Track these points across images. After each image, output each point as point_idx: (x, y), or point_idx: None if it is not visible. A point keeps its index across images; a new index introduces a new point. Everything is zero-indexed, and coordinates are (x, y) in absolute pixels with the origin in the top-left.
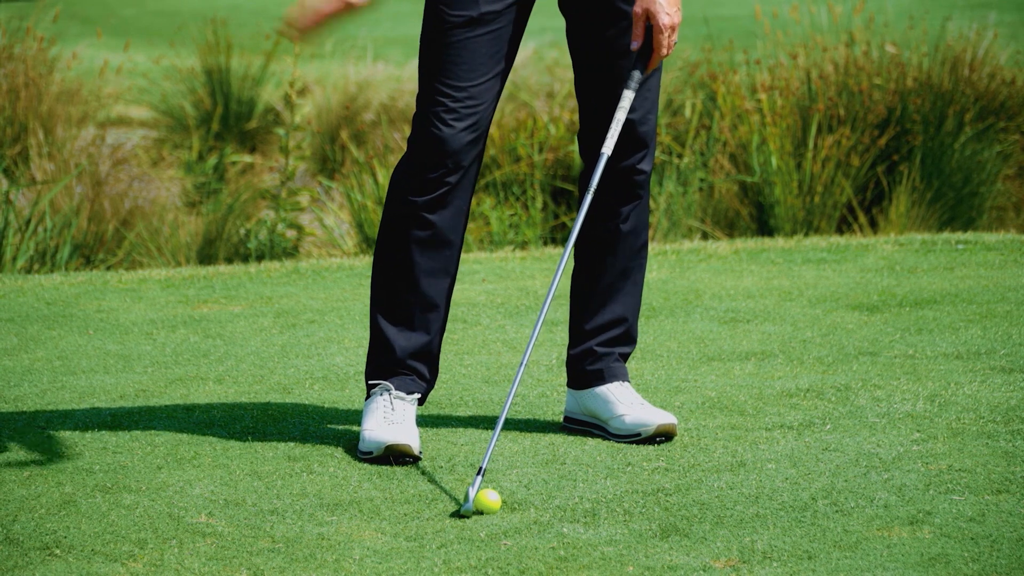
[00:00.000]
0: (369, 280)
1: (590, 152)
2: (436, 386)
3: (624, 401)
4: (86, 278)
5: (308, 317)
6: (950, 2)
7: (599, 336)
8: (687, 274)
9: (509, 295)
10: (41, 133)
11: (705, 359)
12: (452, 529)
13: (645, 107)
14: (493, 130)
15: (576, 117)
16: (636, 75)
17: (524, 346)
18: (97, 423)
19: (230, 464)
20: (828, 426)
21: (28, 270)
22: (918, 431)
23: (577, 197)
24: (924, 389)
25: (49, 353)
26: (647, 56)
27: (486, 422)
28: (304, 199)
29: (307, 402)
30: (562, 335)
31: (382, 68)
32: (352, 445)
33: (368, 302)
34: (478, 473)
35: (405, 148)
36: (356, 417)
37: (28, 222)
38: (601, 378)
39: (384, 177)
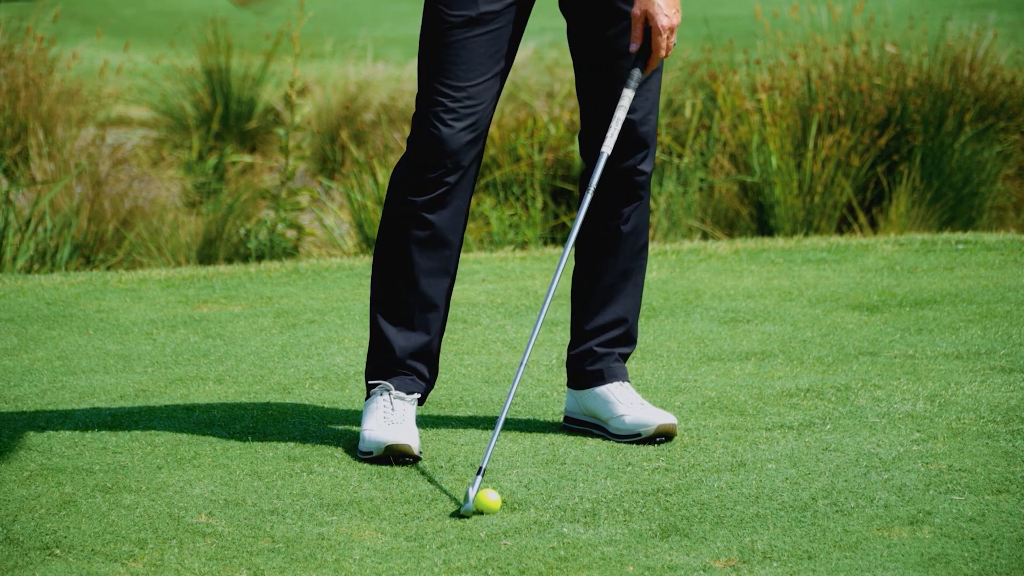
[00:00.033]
0: (369, 280)
1: (591, 152)
2: (436, 386)
3: (624, 401)
4: (86, 278)
5: (308, 317)
6: (950, 2)
7: (599, 336)
8: (687, 274)
9: (509, 295)
10: (41, 133)
11: (705, 359)
12: (452, 529)
13: (645, 108)
14: (493, 130)
15: (576, 117)
16: (636, 74)
17: (524, 346)
18: (97, 423)
19: (230, 464)
20: (828, 426)
21: (28, 270)
22: (918, 431)
23: (578, 197)
24: (924, 389)
25: (49, 353)
26: (646, 58)
27: (486, 422)
28: (304, 199)
29: (307, 402)
30: (562, 335)
31: (382, 68)
32: (352, 445)
33: (368, 302)
34: (478, 473)
35: (405, 148)
36: (356, 417)
37: (28, 222)
38: (601, 378)
39: (384, 177)
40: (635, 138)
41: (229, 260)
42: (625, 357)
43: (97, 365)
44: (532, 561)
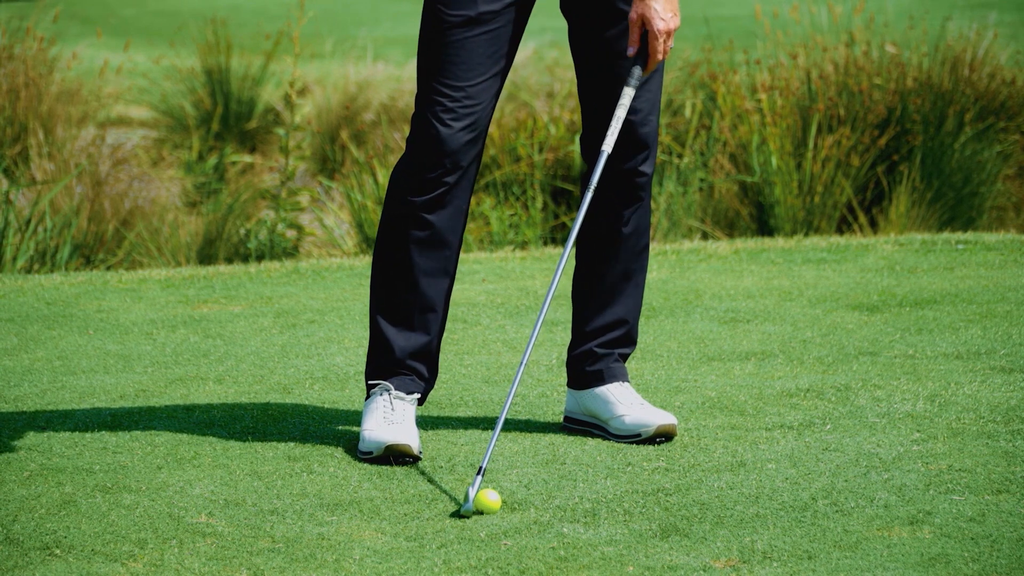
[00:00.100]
0: (369, 280)
1: (592, 153)
2: (436, 386)
3: (624, 401)
4: (86, 278)
5: (308, 317)
6: (950, 2)
7: (600, 337)
8: (687, 274)
9: (509, 295)
10: (41, 133)
11: (705, 359)
12: (452, 529)
13: (646, 109)
14: (493, 130)
15: (576, 117)
16: (637, 72)
17: (524, 346)
18: (97, 423)
19: (230, 464)
20: (828, 426)
21: (28, 270)
22: (918, 431)
23: (578, 197)
24: (924, 389)
25: (49, 353)
26: (644, 61)
27: (486, 422)
28: (304, 199)
29: (307, 402)
30: (562, 335)
31: (382, 68)
32: (352, 445)
33: (368, 302)
34: (478, 473)
35: (405, 148)
36: (356, 417)
37: (28, 222)
38: (601, 379)
39: (384, 177)
40: (636, 139)
41: (229, 260)
42: (625, 357)
43: (97, 365)
44: (532, 561)
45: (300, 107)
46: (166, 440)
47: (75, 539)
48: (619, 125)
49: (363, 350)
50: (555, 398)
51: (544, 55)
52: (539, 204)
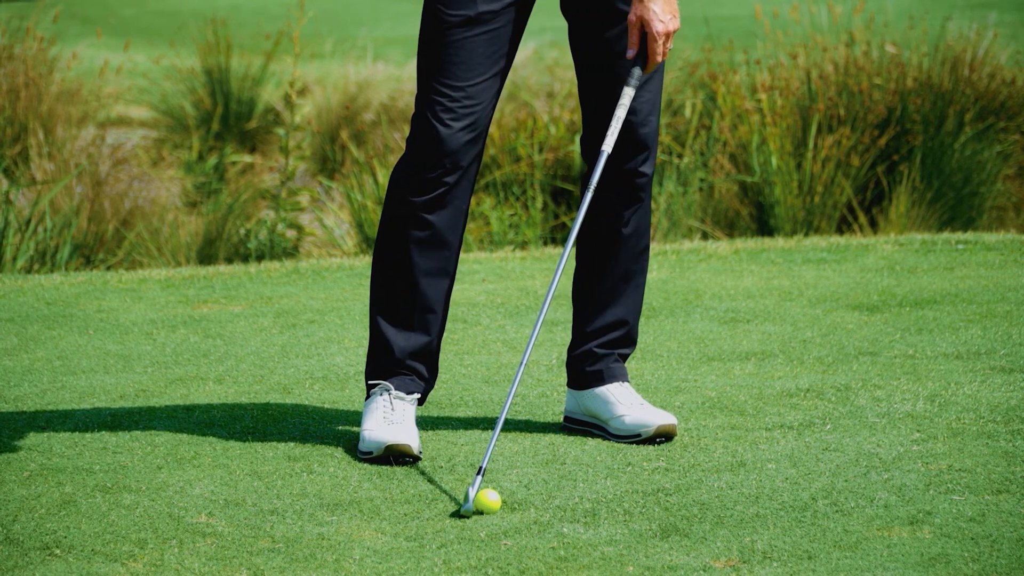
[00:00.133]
0: (369, 280)
1: (592, 154)
2: (436, 386)
3: (624, 402)
4: (86, 278)
5: (308, 317)
6: (950, 2)
7: (600, 338)
8: (687, 274)
9: (509, 295)
10: (41, 133)
11: (705, 359)
12: (452, 529)
13: (646, 109)
14: (493, 130)
15: (576, 117)
16: (637, 72)
17: (524, 346)
18: (97, 423)
19: (230, 464)
20: (828, 426)
21: (28, 270)
22: (918, 431)
23: (578, 197)
24: (924, 389)
25: (49, 353)
26: (643, 63)
27: (486, 422)
28: (304, 199)
29: (307, 402)
30: (562, 335)
31: (382, 68)
32: (352, 445)
33: (368, 302)
34: (478, 473)
35: (405, 148)
36: (356, 417)
37: (28, 222)
38: (601, 379)
39: (384, 177)
40: (636, 140)
41: (229, 260)
42: (625, 358)
43: (97, 365)
44: (532, 561)
45: (300, 107)
46: (166, 440)
47: (75, 539)
48: (619, 125)
49: (363, 350)
50: (555, 398)
51: (544, 55)
52: (539, 204)
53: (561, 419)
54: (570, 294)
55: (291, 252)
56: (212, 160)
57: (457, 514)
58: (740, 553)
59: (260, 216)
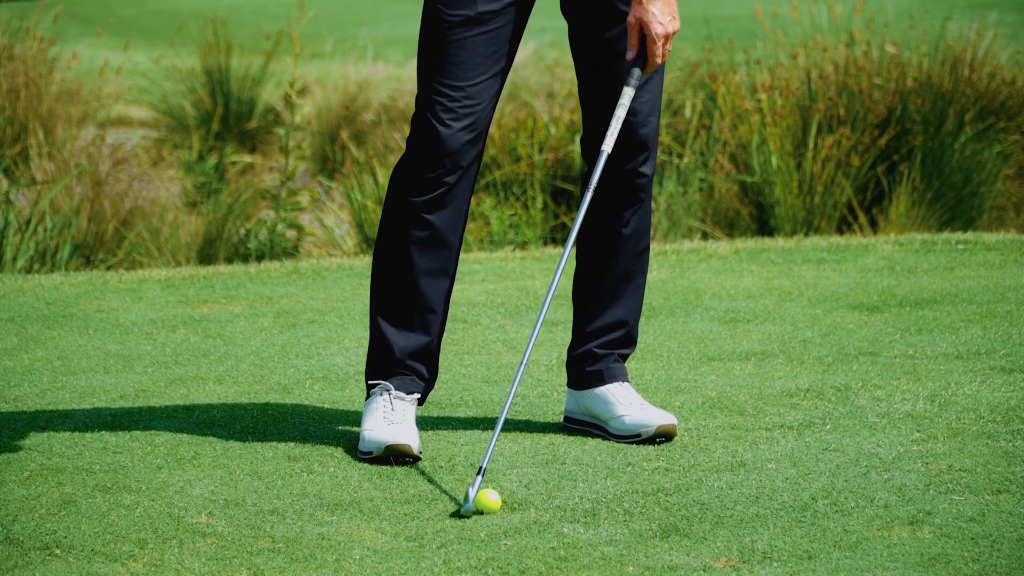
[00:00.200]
0: (369, 280)
1: (592, 154)
2: (436, 386)
3: (624, 402)
4: (86, 278)
5: (308, 317)
6: (950, 2)
7: (600, 338)
8: (687, 274)
9: (509, 295)
10: (41, 133)
11: (705, 359)
12: (452, 529)
13: (646, 110)
14: (493, 130)
15: (576, 117)
16: (636, 72)
17: (524, 346)
18: (97, 423)
19: (230, 464)
20: (828, 426)
21: (28, 270)
22: (918, 431)
23: (578, 197)
24: (924, 389)
25: (49, 353)
26: (643, 65)
27: (486, 422)
28: (304, 199)
29: (307, 402)
30: (562, 335)
31: (382, 68)
32: (352, 445)
33: (368, 302)
34: (478, 473)
35: (405, 148)
36: (356, 417)
37: (28, 222)
38: (601, 379)
39: (384, 177)
40: (635, 140)
41: (229, 260)
42: (625, 358)
43: (97, 365)
44: (532, 561)
45: (300, 107)
46: (166, 440)
47: (75, 539)
48: (619, 125)
49: (363, 350)
50: (555, 398)
51: (544, 55)
52: (539, 204)
53: (561, 419)
54: (570, 294)
55: (291, 252)
56: (212, 160)
57: (457, 514)
58: (740, 553)
59: (260, 216)
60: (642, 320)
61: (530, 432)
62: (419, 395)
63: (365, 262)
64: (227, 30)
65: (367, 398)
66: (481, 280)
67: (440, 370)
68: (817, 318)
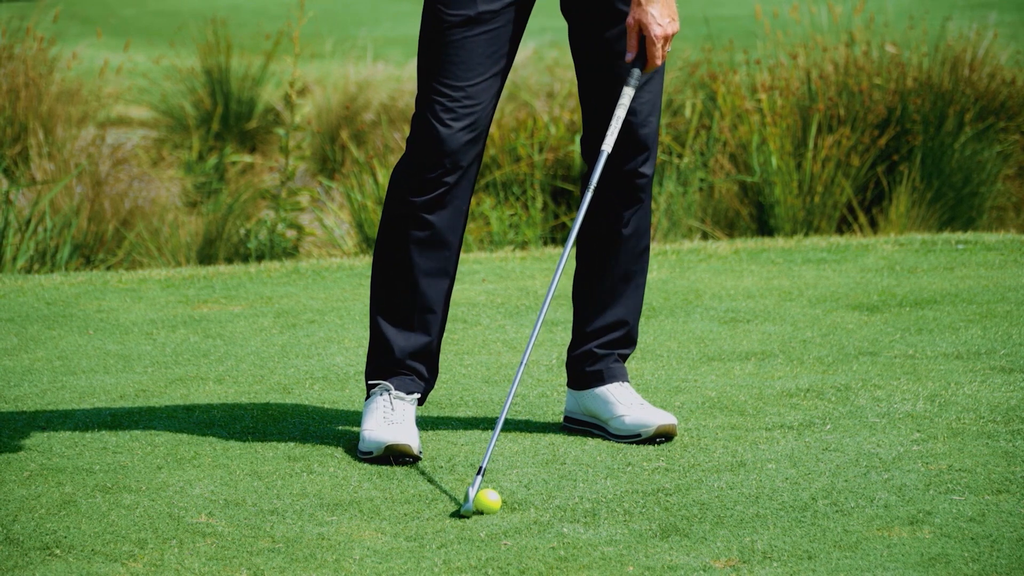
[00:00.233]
0: (369, 280)
1: (592, 154)
2: (436, 386)
3: (624, 402)
4: (86, 278)
5: (308, 317)
6: (950, 2)
7: (600, 338)
8: (687, 274)
9: (509, 295)
10: (41, 133)
11: (705, 359)
12: (452, 529)
13: (646, 110)
14: (493, 130)
15: (576, 117)
16: (636, 72)
17: (524, 346)
18: (97, 423)
19: (230, 464)
20: (828, 426)
21: (28, 270)
22: (918, 431)
23: (578, 197)
24: (924, 389)
25: (49, 353)
26: (642, 66)
27: (486, 422)
28: (304, 199)
29: (307, 402)
30: (562, 335)
31: (382, 68)
32: (352, 445)
33: (368, 302)
34: (478, 473)
35: (405, 148)
36: (356, 417)
37: (28, 222)
38: (600, 379)
39: (384, 177)
40: (636, 140)
41: (229, 260)
42: (625, 358)
43: (97, 365)
44: (532, 561)
45: (300, 107)
46: (166, 440)
47: (75, 539)
48: (619, 125)
49: (363, 350)
50: (555, 398)
51: (544, 55)
52: (539, 204)
53: (561, 419)
54: (570, 294)
55: (291, 252)
56: (212, 160)
57: (457, 514)
58: (740, 553)
59: (260, 216)
60: (642, 320)
61: (530, 432)
62: (419, 395)
63: (365, 262)
64: (227, 30)
65: (367, 398)
66: (481, 280)
67: (440, 370)
68: (817, 318)
